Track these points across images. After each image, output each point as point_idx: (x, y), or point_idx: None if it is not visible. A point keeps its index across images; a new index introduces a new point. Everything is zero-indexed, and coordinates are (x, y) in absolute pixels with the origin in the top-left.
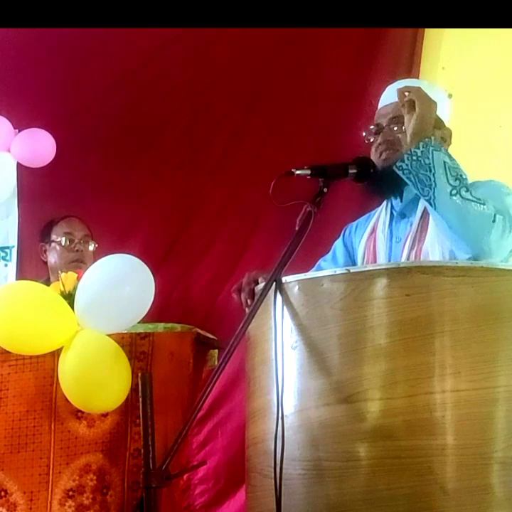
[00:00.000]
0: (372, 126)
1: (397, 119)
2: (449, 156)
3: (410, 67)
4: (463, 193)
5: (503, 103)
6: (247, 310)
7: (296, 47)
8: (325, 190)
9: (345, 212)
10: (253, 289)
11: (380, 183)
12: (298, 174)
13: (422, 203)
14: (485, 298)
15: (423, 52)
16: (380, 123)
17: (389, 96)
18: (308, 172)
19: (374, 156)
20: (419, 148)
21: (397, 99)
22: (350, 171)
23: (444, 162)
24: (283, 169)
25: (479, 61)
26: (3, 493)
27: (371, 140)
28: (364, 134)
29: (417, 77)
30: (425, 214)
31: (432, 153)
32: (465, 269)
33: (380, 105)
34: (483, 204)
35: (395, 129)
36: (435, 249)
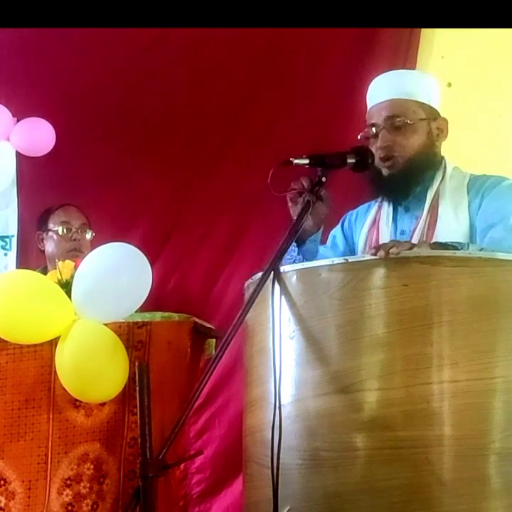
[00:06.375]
0: (372, 129)
1: (393, 120)
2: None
3: (408, 56)
4: None
5: (502, 92)
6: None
7: (295, 37)
8: (323, 179)
9: (344, 201)
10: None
11: (387, 187)
12: (296, 163)
13: (429, 198)
14: (483, 288)
15: (420, 42)
16: (376, 123)
17: (378, 93)
18: (307, 161)
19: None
20: None
21: (388, 97)
22: (349, 161)
23: None
24: (282, 158)
25: (478, 50)
26: (2, 482)
27: (371, 142)
28: (359, 137)
29: (414, 67)
30: (432, 209)
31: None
32: (463, 259)
33: (371, 102)
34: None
35: (389, 135)
36: None
